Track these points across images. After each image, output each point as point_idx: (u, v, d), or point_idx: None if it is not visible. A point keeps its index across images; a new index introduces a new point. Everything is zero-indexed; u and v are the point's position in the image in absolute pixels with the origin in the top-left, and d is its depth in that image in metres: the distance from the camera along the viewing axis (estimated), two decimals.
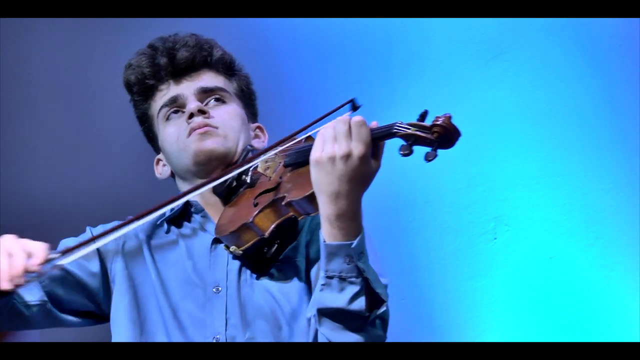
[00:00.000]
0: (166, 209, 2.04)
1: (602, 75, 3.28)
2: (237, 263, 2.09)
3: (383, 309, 1.90)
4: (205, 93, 2.24)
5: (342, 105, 2.07)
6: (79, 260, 2.03)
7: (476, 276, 3.26)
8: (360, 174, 1.87)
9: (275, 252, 2.06)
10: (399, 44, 3.42)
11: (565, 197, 3.24)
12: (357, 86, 3.41)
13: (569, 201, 3.24)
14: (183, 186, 2.24)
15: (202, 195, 2.18)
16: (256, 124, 2.33)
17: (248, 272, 2.09)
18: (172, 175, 2.28)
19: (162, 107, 2.23)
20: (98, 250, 2.11)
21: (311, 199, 1.93)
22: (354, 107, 2.08)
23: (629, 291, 3.14)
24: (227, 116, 2.22)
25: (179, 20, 3.41)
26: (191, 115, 2.19)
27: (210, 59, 2.28)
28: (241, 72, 2.33)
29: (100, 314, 2.14)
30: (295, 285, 2.07)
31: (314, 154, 1.89)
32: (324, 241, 1.89)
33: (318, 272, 2.01)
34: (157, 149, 2.31)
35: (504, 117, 3.32)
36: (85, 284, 2.11)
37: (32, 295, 2.03)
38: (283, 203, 1.99)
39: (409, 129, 1.88)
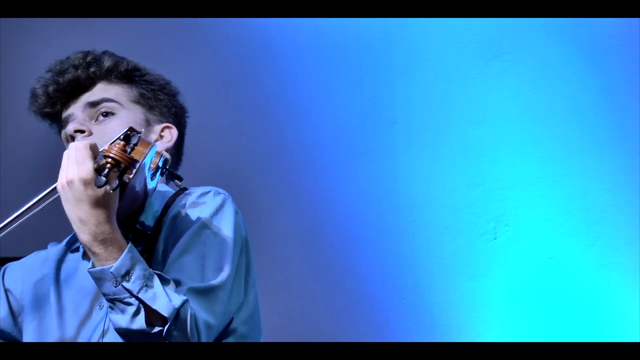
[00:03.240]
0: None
1: (602, 75, 3.28)
2: None
3: (167, 325, 1.84)
4: (92, 107, 2.18)
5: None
6: None
7: (476, 276, 3.25)
8: (87, 195, 1.83)
9: None
10: (399, 44, 3.42)
11: (565, 197, 3.24)
12: (357, 86, 3.41)
13: (569, 201, 3.23)
14: None
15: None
16: (164, 124, 2.23)
17: None
18: None
19: (60, 132, 2.20)
20: (5, 290, 2.16)
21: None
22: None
23: (629, 291, 3.14)
24: (110, 130, 2.13)
25: (179, 20, 3.42)
26: (73, 138, 2.14)
27: (99, 72, 2.22)
28: (143, 77, 2.25)
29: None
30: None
31: (56, 185, 1.88)
32: (88, 269, 1.88)
33: None
34: None
35: (504, 117, 3.32)
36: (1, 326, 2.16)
37: None
38: None
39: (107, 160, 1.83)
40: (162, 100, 2.25)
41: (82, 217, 1.84)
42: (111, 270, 1.83)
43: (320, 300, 3.28)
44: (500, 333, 3.14)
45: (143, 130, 1.87)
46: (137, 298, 1.83)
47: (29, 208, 1.96)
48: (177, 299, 1.84)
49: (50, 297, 2.12)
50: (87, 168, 1.83)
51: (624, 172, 3.23)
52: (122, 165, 1.79)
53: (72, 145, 1.86)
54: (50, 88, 2.20)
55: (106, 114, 2.16)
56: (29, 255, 2.28)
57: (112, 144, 1.80)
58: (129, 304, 1.84)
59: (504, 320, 3.20)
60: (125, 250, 1.85)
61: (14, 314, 2.16)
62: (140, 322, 1.83)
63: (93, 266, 1.86)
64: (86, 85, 2.20)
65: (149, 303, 1.83)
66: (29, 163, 3.54)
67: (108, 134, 2.08)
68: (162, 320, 1.83)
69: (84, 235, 1.85)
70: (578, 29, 3.28)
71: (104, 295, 1.86)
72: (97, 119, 2.16)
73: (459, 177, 3.29)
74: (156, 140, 2.19)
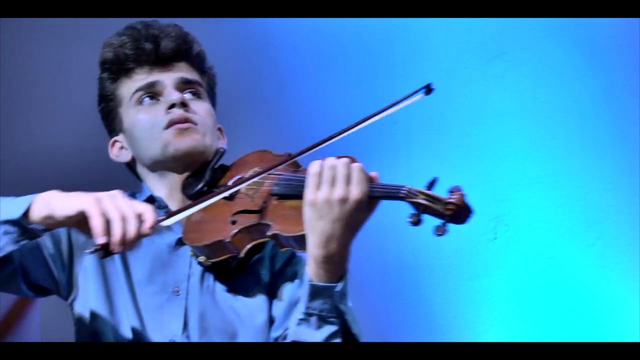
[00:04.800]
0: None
1: (602, 75, 3.28)
2: (199, 268, 2.08)
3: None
4: (184, 84, 2.19)
5: (417, 91, 2.04)
6: (51, 238, 2.05)
7: (476, 276, 3.25)
8: (354, 218, 1.86)
9: (240, 263, 2.05)
10: (399, 44, 3.42)
11: (565, 197, 3.24)
12: (357, 86, 3.41)
13: (569, 201, 3.24)
14: (146, 175, 2.19)
15: (169, 190, 2.15)
16: (218, 125, 2.27)
17: (211, 279, 2.07)
18: (131, 160, 2.23)
19: (137, 90, 2.17)
20: (69, 235, 2.10)
21: (301, 239, 1.92)
22: (428, 91, 2.10)
23: (629, 291, 3.14)
24: (204, 113, 2.18)
25: (179, 20, 3.41)
26: (171, 106, 2.15)
27: (190, 52, 2.23)
28: (211, 71, 2.28)
29: (56, 293, 2.11)
30: (256, 299, 2.06)
31: (309, 195, 1.87)
32: (310, 280, 1.89)
33: (287, 294, 2.04)
34: (114, 130, 2.24)
35: (504, 117, 3.32)
36: (51, 264, 2.08)
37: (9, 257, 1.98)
38: (268, 233, 1.97)
39: (421, 198, 1.86)
40: (215, 101, 2.29)
41: (334, 234, 1.85)
42: (336, 289, 1.87)
43: None
44: (500, 333, 3.14)
45: None
46: (344, 321, 1.88)
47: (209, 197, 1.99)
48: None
49: (117, 269, 2.09)
50: (364, 190, 1.86)
51: (624, 172, 3.23)
52: (434, 210, 1.85)
53: (340, 161, 1.88)
54: (147, 46, 2.19)
55: (194, 94, 2.19)
56: None
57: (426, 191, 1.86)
58: (332, 323, 1.89)
59: (504, 320, 3.20)
60: (347, 273, 1.89)
61: (70, 259, 2.10)
62: (328, 340, 1.88)
63: (313, 279, 1.88)
64: (176, 58, 2.21)
65: (352, 327, 1.90)
66: (29, 163, 3.54)
67: (199, 114, 2.14)
68: (354, 341, 1.90)
69: (320, 251, 1.86)
70: (578, 29, 3.28)
71: (308, 309, 1.89)
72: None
73: (459, 177, 3.29)
74: (219, 139, 2.24)
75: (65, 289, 2.09)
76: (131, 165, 2.24)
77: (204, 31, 3.53)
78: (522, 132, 3.30)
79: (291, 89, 3.48)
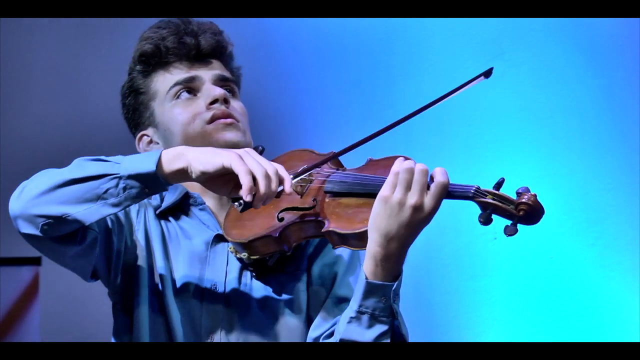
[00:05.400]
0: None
1: (602, 75, 3.28)
2: (237, 265, 2.07)
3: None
4: (221, 81, 2.19)
5: (479, 76, 2.07)
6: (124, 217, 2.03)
7: (476, 276, 3.26)
8: (421, 224, 1.87)
9: (278, 261, 2.05)
10: (399, 44, 3.42)
11: (565, 197, 3.24)
12: (357, 86, 3.41)
13: (569, 201, 3.24)
14: None
15: (205, 190, 2.11)
16: None
17: (248, 276, 2.07)
18: None
19: (176, 84, 2.15)
20: (128, 216, 2.08)
21: (361, 236, 1.91)
22: (487, 74, 2.13)
23: (629, 291, 3.14)
24: (242, 110, 2.18)
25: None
26: (213, 102, 2.14)
27: (225, 51, 2.23)
28: (239, 71, 2.29)
29: (102, 278, 2.08)
30: (293, 298, 2.06)
31: (384, 192, 1.86)
32: (366, 278, 1.89)
33: (326, 294, 2.05)
34: (141, 124, 2.21)
35: (504, 117, 3.32)
36: (116, 241, 2.06)
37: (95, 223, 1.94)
38: (323, 230, 1.95)
39: (490, 198, 1.87)
40: None
41: (397, 235, 1.85)
42: (393, 287, 1.88)
43: None
44: (500, 333, 3.14)
45: None
46: (395, 321, 1.90)
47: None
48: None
49: (155, 256, 2.07)
50: (439, 203, 1.87)
51: (624, 172, 3.23)
52: (504, 211, 1.86)
53: (422, 168, 1.88)
54: (189, 40, 2.18)
55: (230, 92, 2.19)
56: None
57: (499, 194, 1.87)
58: (383, 322, 1.89)
59: (504, 320, 3.20)
60: (402, 273, 1.90)
61: (129, 242, 2.08)
62: (378, 340, 1.89)
63: (369, 277, 1.88)
64: (213, 55, 2.21)
65: (401, 328, 1.91)
66: (29, 163, 3.54)
67: (237, 111, 2.15)
68: (402, 341, 1.92)
69: (381, 249, 1.86)
70: (578, 29, 3.28)
71: (361, 307, 1.89)
72: None
73: (459, 177, 3.29)
74: None
75: (113, 279, 2.06)
76: None
77: None
78: (522, 132, 3.30)
79: (291, 89, 3.48)
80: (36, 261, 3.52)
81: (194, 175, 1.83)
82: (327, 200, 2.00)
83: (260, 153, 2.12)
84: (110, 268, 2.05)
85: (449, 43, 3.38)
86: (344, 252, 2.10)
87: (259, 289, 2.06)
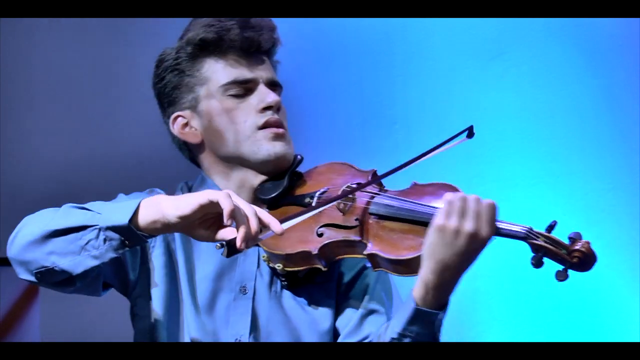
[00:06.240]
0: None
1: (602, 75, 3.28)
2: (267, 270, 2.06)
3: None
4: (272, 86, 2.19)
5: (460, 133, 2.11)
6: None
7: (476, 276, 3.25)
8: (476, 252, 1.89)
9: (308, 274, 2.04)
10: (399, 44, 3.42)
11: (565, 197, 3.24)
12: (357, 86, 3.41)
13: (569, 201, 3.23)
14: (214, 164, 2.14)
15: (237, 187, 2.12)
16: None
17: (278, 284, 2.06)
18: (197, 144, 2.18)
19: (233, 81, 2.14)
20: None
21: (405, 263, 1.93)
22: (470, 134, 2.13)
23: (629, 291, 3.14)
24: (285, 120, 2.19)
25: (179, 20, 3.41)
26: (267, 108, 2.13)
27: (275, 52, 2.25)
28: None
29: (118, 288, 2.07)
30: (322, 308, 2.06)
31: (439, 220, 1.88)
32: (416, 304, 1.90)
33: (357, 306, 2.06)
34: (176, 103, 2.18)
35: (504, 117, 3.31)
36: (128, 260, 2.04)
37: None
38: (365, 252, 1.95)
39: (542, 240, 1.89)
40: None
41: (452, 264, 1.88)
42: (439, 316, 1.91)
43: None
44: (500, 333, 3.14)
45: None
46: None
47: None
48: None
49: (181, 266, 2.06)
50: (493, 229, 1.89)
51: (624, 172, 3.23)
52: (556, 255, 1.90)
53: (473, 197, 1.90)
54: (251, 34, 2.19)
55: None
56: (154, 193, 2.13)
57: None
58: None
59: (504, 320, 3.20)
60: (449, 301, 1.93)
61: (144, 257, 2.06)
62: None
63: (419, 304, 1.90)
64: (267, 54, 2.22)
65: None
66: (28, 163, 3.54)
67: (283, 120, 2.16)
68: None
69: (434, 277, 1.88)
70: (578, 29, 3.28)
71: (405, 330, 1.91)
72: None
73: (459, 177, 3.29)
74: None
75: (132, 285, 2.05)
76: (195, 147, 2.18)
77: None
78: (522, 132, 3.30)
79: (291, 89, 3.47)
80: None
81: (171, 223, 1.77)
82: (370, 221, 1.99)
83: (299, 163, 2.12)
84: (127, 284, 2.04)
85: (449, 43, 3.38)
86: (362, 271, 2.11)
87: (287, 298, 2.06)
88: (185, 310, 2.02)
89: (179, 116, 2.17)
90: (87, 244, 1.82)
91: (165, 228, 1.79)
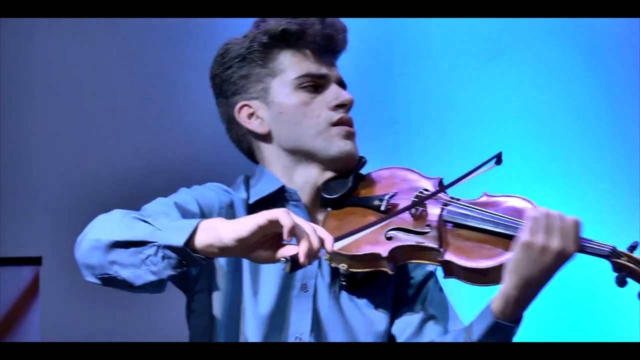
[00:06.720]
0: None
1: (602, 75, 3.29)
2: (328, 269, 2.04)
3: None
4: (342, 86, 2.18)
5: (490, 160, 2.12)
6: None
7: None
8: (558, 270, 1.92)
9: (366, 276, 2.03)
10: (399, 44, 3.42)
11: (565, 197, 3.24)
12: (358, 86, 3.41)
13: (569, 201, 3.24)
14: (279, 157, 2.11)
15: (303, 183, 2.09)
16: None
17: (337, 284, 2.04)
18: (264, 134, 2.13)
19: (307, 74, 2.11)
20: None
21: (482, 272, 1.93)
22: (499, 161, 2.15)
23: (629, 291, 3.13)
24: None
25: (179, 20, 3.41)
26: (341, 106, 2.12)
27: (341, 54, 2.23)
28: None
29: (178, 285, 2.03)
30: (379, 309, 2.05)
31: (525, 237, 1.89)
32: (495, 317, 1.93)
33: (417, 310, 2.06)
34: (242, 93, 2.14)
35: (504, 117, 3.32)
36: None
37: None
38: (439, 258, 1.95)
39: (625, 260, 1.91)
40: None
41: (535, 280, 1.90)
42: (514, 330, 1.95)
43: None
44: None
45: None
46: None
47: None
48: None
49: (245, 263, 2.02)
50: (579, 246, 1.91)
51: (624, 172, 3.23)
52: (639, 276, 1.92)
53: (558, 214, 1.92)
54: (333, 33, 2.18)
55: None
56: (214, 187, 2.09)
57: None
58: None
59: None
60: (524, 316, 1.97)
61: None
62: None
63: (498, 317, 1.93)
64: (337, 56, 2.22)
65: None
66: (28, 163, 3.54)
67: None
68: None
69: (516, 292, 1.91)
70: (578, 29, 3.29)
71: (479, 341, 1.95)
72: None
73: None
74: None
75: (192, 280, 2.02)
76: (261, 137, 2.14)
77: (204, 31, 3.54)
78: (522, 132, 3.30)
79: None
80: (36, 261, 3.52)
81: (228, 247, 1.72)
82: (445, 229, 1.99)
83: (363, 165, 2.11)
84: (188, 279, 2.01)
85: (449, 43, 3.38)
86: (434, 267, 2.09)
87: (345, 298, 2.04)
88: (247, 307, 1.99)
89: (245, 105, 2.14)
90: (146, 258, 1.79)
91: (222, 252, 1.75)
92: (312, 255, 1.71)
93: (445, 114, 3.33)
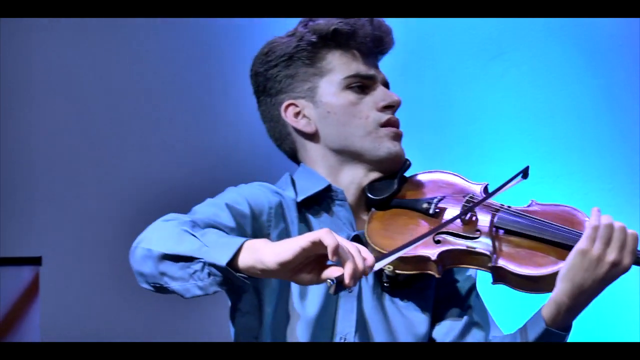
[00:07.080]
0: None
1: (602, 75, 3.29)
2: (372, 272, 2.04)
3: None
4: (385, 87, 2.18)
5: (517, 175, 2.13)
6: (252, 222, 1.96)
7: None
8: (613, 280, 1.92)
9: (408, 278, 2.02)
10: (399, 44, 3.42)
11: (565, 198, 3.24)
12: None
13: (569, 201, 3.23)
14: (325, 157, 2.10)
15: (348, 183, 2.08)
16: None
17: (379, 286, 2.04)
18: (311, 134, 2.12)
19: (356, 75, 2.11)
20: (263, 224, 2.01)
21: (534, 279, 1.94)
22: (525, 175, 2.17)
23: (629, 291, 3.14)
24: None
25: (179, 20, 3.41)
26: (387, 107, 2.12)
27: (384, 56, 2.23)
28: None
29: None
30: (420, 314, 2.04)
31: (583, 245, 1.89)
32: (547, 325, 1.94)
33: (452, 313, 2.05)
34: (288, 91, 2.13)
35: (504, 117, 3.32)
36: None
37: None
38: (490, 264, 1.94)
39: None
40: None
41: (589, 289, 1.91)
42: (563, 339, 1.96)
43: None
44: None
45: None
46: None
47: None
48: None
49: None
50: (635, 260, 1.92)
51: (624, 172, 3.23)
52: None
53: (619, 226, 1.91)
54: (382, 36, 2.18)
55: None
56: (262, 186, 2.08)
57: None
58: None
59: (504, 320, 3.20)
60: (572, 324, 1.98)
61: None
62: None
63: (550, 325, 1.95)
64: (381, 57, 2.21)
65: None
66: (28, 163, 3.54)
67: None
68: None
69: (569, 300, 1.91)
70: (578, 29, 3.29)
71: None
72: None
73: None
74: None
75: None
76: (308, 136, 2.12)
77: (204, 31, 3.55)
78: (522, 132, 3.30)
79: None
80: (36, 261, 3.52)
81: (271, 270, 1.70)
82: (496, 235, 1.99)
83: (408, 167, 2.11)
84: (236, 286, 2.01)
85: (449, 43, 3.38)
86: (474, 272, 2.09)
87: (387, 300, 2.04)
88: (295, 308, 1.98)
89: (291, 104, 2.12)
90: (194, 273, 1.78)
91: (264, 274, 1.73)
92: (358, 277, 1.69)
93: (445, 114, 3.33)
